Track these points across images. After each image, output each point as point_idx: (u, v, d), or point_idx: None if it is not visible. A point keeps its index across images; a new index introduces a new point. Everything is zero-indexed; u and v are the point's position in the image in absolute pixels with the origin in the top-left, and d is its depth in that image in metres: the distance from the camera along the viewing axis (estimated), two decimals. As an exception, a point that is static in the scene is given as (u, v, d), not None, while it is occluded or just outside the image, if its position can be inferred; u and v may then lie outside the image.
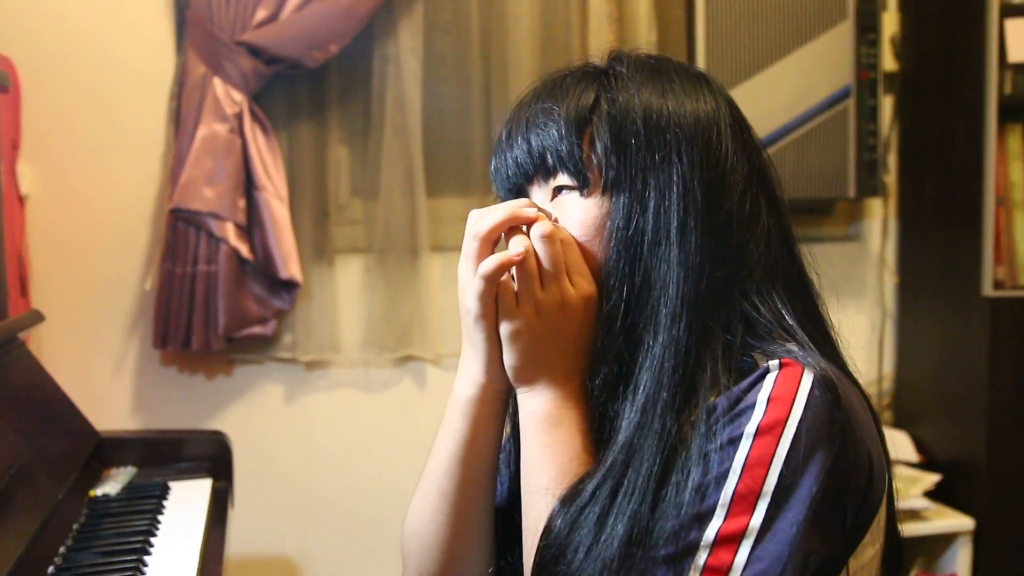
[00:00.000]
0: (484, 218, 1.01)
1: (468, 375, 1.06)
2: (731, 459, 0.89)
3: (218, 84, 2.48)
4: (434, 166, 2.76)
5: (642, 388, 0.97)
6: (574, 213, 1.03)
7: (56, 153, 2.52)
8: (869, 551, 0.96)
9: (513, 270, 1.01)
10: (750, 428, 0.89)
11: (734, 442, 0.90)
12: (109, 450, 2.05)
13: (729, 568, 0.87)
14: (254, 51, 2.48)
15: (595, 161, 1.02)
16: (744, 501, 0.88)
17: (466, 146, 2.79)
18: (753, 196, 1.03)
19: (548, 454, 1.00)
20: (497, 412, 1.08)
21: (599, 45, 2.78)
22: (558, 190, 1.05)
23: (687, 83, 1.05)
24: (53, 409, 1.91)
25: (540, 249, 0.99)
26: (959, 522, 2.81)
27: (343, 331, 2.74)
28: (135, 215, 2.59)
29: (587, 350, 1.02)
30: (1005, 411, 2.79)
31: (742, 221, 1.01)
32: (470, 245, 1.01)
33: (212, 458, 2.10)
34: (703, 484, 0.89)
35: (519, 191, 1.09)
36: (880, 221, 3.15)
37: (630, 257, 1.00)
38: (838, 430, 0.90)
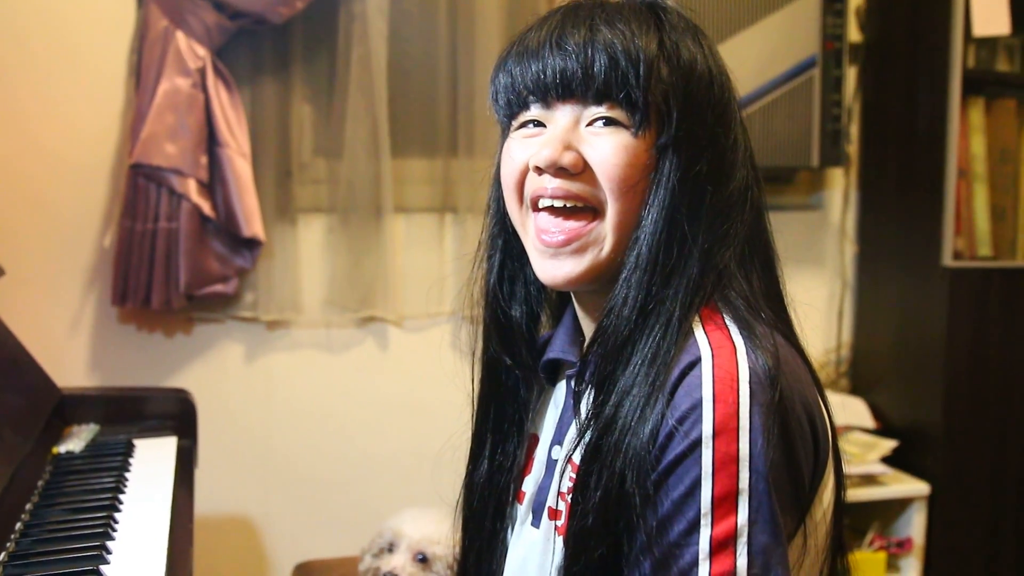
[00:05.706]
0: None
1: None
2: (699, 464, 0.87)
3: (181, 38, 2.44)
4: (399, 126, 2.73)
5: (648, 343, 0.95)
6: (620, 153, 0.96)
7: (12, 106, 2.46)
8: (819, 510, 0.97)
9: None
10: (706, 430, 0.87)
11: (695, 447, 0.87)
12: (70, 407, 2.02)
13: (734, 572, 0.85)
14: (218, 5, 2.44)
15: (659, 104, 0.96)
16: (726, 503, 0.86)
17: (432, 106, 2.77)
18: (746, 166, 1.03)
19: None
20: None
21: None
22: (601, 121, 0.97)
23: (711, 44, 1.03)
24: (14, 364, 1.87)
25: None
26: (915, 487, 2.85)
27: (305, 291, 2.71)
28: (94, 170, 2.54)
29: None
30: (961, 379, 2.84)
31: (742, 191, 1.02)
32: None
33: (176, 416, 2.08)
34: (678, 497, 0.88)
35: (542, 102, 1.01)
36: (841, 191, 3.17)
37: (668, 217, 0.96)
38: (783, 408, 0.89)
